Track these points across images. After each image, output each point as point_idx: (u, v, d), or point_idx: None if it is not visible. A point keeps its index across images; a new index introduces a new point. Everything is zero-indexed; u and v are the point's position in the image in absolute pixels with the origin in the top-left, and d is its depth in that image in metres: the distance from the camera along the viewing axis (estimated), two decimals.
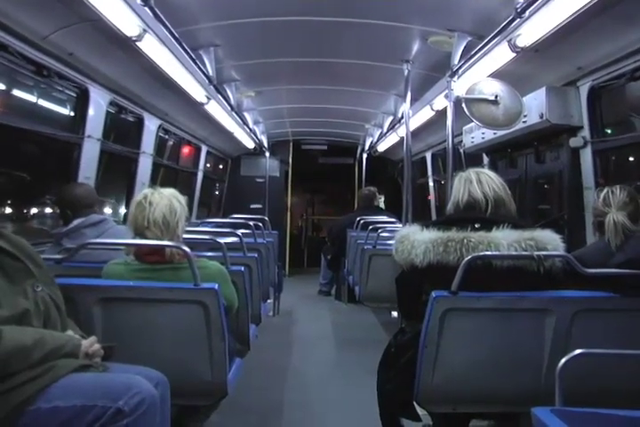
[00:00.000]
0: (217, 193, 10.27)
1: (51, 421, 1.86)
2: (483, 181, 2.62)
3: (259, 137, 8.88)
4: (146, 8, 2.93)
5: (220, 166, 10.18)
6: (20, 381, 1.85)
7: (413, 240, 2.48)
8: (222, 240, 3.60)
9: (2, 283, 1.97)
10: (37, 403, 1.86)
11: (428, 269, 2.45)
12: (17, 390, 1.84)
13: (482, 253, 2.39)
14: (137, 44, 3.51)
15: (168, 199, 2.69)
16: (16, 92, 3.79)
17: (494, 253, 2.41)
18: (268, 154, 10.20)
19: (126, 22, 3.27)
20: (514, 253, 2.40)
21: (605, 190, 2.71)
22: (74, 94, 4.17)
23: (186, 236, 2.88)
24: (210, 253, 3.49)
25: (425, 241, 2.46)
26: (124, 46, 3.62)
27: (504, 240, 2.41)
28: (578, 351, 2.01)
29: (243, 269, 3.25)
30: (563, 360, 1.99)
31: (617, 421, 1.80)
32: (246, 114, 7.29)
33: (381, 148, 9.13)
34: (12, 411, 1.82)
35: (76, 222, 3.34)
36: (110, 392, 1.90)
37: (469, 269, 2.36)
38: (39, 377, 1.89)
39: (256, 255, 4.07)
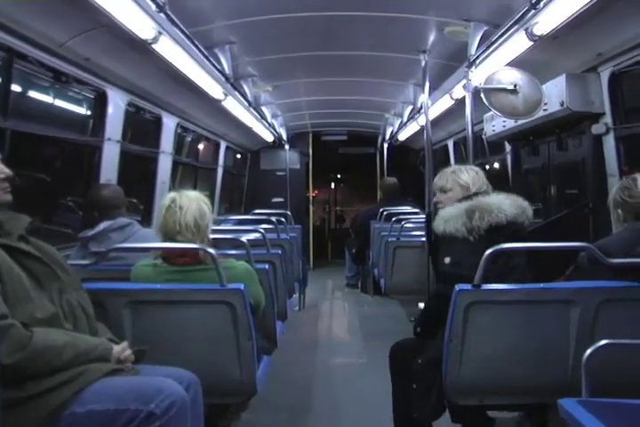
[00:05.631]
0: (237, 188, 10.26)
1: (86, 425, 1.90)
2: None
3: (277, 130, 8.86)
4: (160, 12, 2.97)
5: (240, 161, 10.18)
6: (53, 384, 1.89)
7: None
8: (245, 237, 3.63)
9: (32, 285, 2.01)
10: (72, 407, 1.90)
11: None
12: (51, 393, 1.88)
13: (506, 246, 2.45)
14: (152, 46, 3.52)
15: (197, 202, 2.72)
16: (35, 99, 3.83)
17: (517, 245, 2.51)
18: (287, 147, 10.16)
19: (141, 26, 3.28)
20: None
21: None
22: (92, 98, 4.20)
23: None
24: (234, 252, 3.51)
25: None
26: (140, 49, 3.64)
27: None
28: (603, 342, 2.02)
29: (267, 267, 3.26)
30: (588, 351, 2.00)
31: None
32: (264, 108, 7.27)
33: (402, 136, 9.06)
34: (48, 415, 1.86)
35: (102, 226, 3.37)
36: (142, 396, 1.94)
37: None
38: (72, 381, 1.93)
39: (280, 252, 4.07)
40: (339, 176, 12.90)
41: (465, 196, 2.92)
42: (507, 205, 2.72)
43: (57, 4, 2.88)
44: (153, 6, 2.87)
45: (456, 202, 2.87)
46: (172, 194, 2.77)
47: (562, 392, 1.97)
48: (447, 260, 2.71)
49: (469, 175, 3.00)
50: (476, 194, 2.89)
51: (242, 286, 2.51)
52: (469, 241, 2.67)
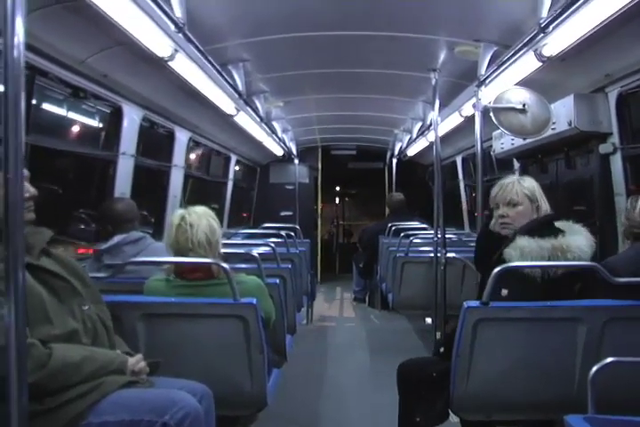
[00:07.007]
0: (246, 201, 10.27)
1: None
2: None
3: (287, 144, 8.89)
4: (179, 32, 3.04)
5: (249, 174, 10.21)
6: (71, 396, 1.94)
7: None
8: (255, 251, 3.67)
9: (52, 302, 2.05)
10: (88, 418, 1.94)
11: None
12: (69, 405, 1.93)
13: (514, 264, 2.51)
14: (168, 63, 3.59)
15: (206, 219, 2.76)
16: (54, 114, 3.89)
17: (525, 263, 2.57)
18: (296, 161, 10.19)
19: (159, 44, 3.35)
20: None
21: None
22: (108, 113, 4.27)
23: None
24: (244, 266, 3.56)
25: None
26: (156, 66, 3.70)
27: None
28: (610, 360, 2.04)
29: (277, 281, 3.31)
30: (594, 368, 2.02)
31: None
32: (275, 123, 7.33)
33: (411, 152, 9.09)
34: (65, 426, 1.91)
35: (116, 239, 3.42)
36: (156, 407, 1.98)
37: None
38: (89, 393, 1.97)
39: (289, 266, 4.12)
40: (347, 191, 12.93)
41: (538, 218, 2.82)
42: (587, 254, 2.61)
43: (79, 23, 2.95)
44: (172, 26, 2.94)
45: (536, 236, 2.67)
46: (181, 211, 2.80)
47: (568, 409, 1.98)
48: (504, 292, 2.57)
49: (536, 186, 2.89)
50: (557, 229, 2.75)
51: (254, 301, 2.55)
52: (536, 281, 2.57)
